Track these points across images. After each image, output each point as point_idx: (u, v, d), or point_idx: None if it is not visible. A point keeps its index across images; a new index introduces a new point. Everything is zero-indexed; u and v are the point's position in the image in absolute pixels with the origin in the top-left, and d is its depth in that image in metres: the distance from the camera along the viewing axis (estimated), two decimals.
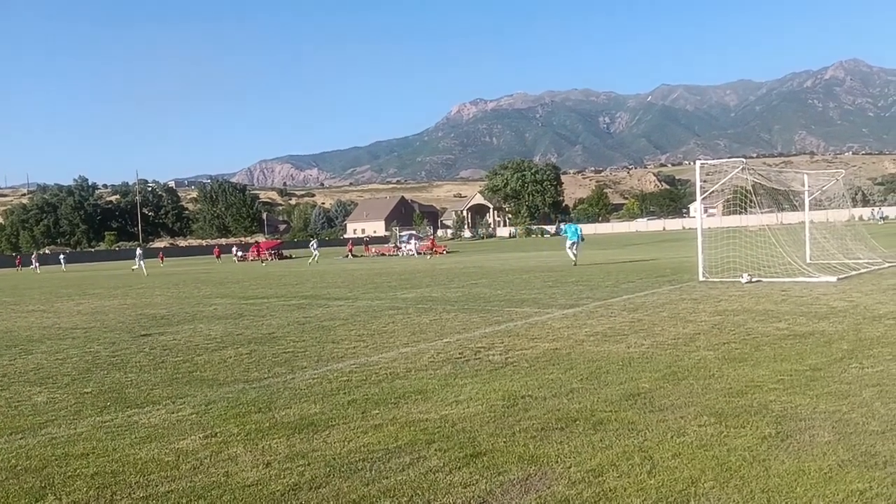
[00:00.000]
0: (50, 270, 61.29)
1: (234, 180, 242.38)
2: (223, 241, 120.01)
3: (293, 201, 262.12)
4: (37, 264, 64.19)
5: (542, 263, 30.01)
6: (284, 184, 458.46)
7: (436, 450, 5.00)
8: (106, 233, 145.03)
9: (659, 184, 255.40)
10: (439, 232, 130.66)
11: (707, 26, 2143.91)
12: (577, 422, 5.51)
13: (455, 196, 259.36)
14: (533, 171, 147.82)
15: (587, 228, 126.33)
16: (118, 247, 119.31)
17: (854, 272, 17.49)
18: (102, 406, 6.91)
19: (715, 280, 17.02)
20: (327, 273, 31.97)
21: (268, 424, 5.90)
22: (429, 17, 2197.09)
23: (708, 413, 5.57)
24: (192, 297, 20.56)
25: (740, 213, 22.19)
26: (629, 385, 6.66)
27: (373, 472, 4.64)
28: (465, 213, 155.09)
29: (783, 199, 25.08)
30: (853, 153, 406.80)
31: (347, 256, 57.82)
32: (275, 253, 64.67)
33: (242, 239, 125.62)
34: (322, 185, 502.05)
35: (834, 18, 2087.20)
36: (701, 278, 17.33)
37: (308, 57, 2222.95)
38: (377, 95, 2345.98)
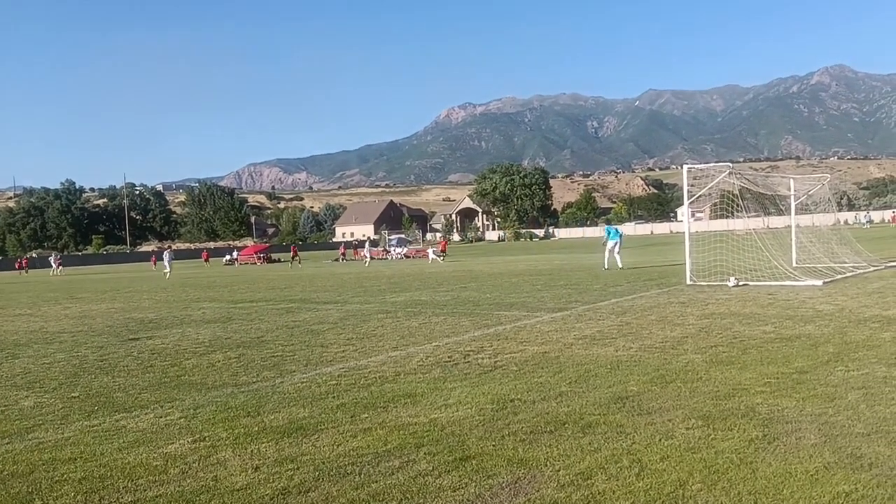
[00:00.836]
0: (47, 272, 60.63)
1: (222, 184, 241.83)
2: (212, 244, 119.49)
3: (282, 205, 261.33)
4: (56, 266, 60.72)
5: (531, 267, 30.07)
6: (273, 187, 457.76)
7: (425, 453, 5.01)
8: (93, 236, 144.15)
9: (647, 188, 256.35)
10: (428, 236, 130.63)
11: (694, 32, 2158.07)
12: (566, 425, 5.53)
13: (444, 200, 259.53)
14: (522, 175, 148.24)
15: (574, 232, 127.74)
16: (105, 250, 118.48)
17: (839, 276, 17.63)
18: (90, 410, 6.87)
19: (702, 284, 17.11)
20: (316, 276, 31.90)
21: (257, 428, 5.89)
22: (418, 22, 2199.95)
23: (696, 416, 5.61)
24: (181, 301, 20.47)
25: (727, 217, 22.31)
26: (617, 388, 6.69)
27: (362, 475, 4.64)
28: (454, 216, 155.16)
29: (770, 204, 25.22)
30: (839, 158, 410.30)
31: (339, 260, 57.81)
32: (263, 257, 64.56)
33: (230, 243, 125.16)
34: (311, 188, 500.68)
35: (820, 25, 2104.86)
36: (688, 282, 17.42)
37: (297, 60, 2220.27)
38: (366, 99, 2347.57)
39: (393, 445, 5.23)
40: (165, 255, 43.00)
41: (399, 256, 57.93)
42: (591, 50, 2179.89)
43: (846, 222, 62.63)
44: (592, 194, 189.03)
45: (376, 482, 4.51)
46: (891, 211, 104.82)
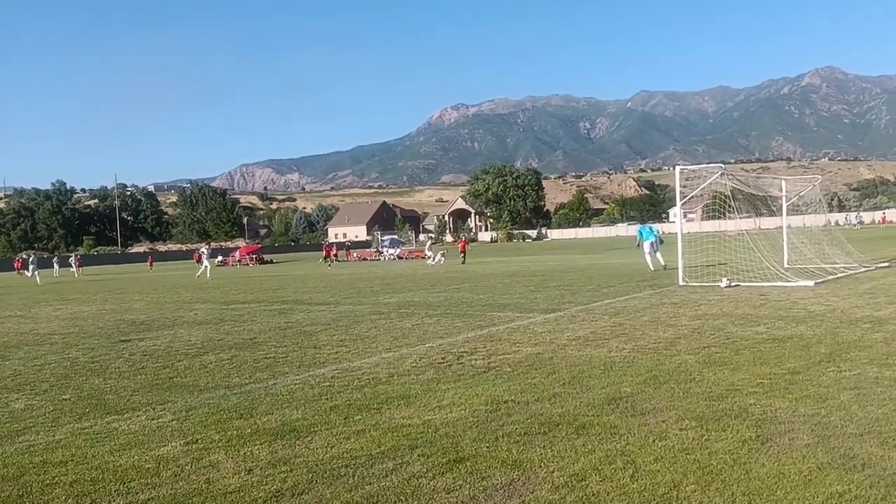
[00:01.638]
0: (68, 274, 60.08)
1: (214, 184, 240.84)
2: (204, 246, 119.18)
3: (274, 206, 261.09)
4: (77, 266, 56.39)
5: (524, 268, 30.10)
6: (265, 188, 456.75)
7: (419, 455, 5.00)
8: (84, 237, 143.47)
9: (639, 189, 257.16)
10: (421, 237, 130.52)
11: (686, 34, 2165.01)
12: (560, 426, 5.53)
13: (437, 201, 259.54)
14: (514, 175, 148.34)
15: (567, 233, 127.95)
16: (97, 251, 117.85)
17: (831, 276, 17.70)
18: (81, 413, 6.83)
19: (695, 284, 17.15)
20: (309, 278, 31.84)
21: (249, 431, 5.86)
22: (411, 22, 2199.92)
23: (689, 417, 5.61)
24: (172, 302, 20.39)
25: (719, 218, 22.40)
26: (611, 389, 6.70)
27: (355, 477, 4.63)
28: (446, 217, 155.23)
29: (761, 205, 25.33)
30: (829, 159, 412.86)
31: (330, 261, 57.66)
32: (255, 257, 64.39)
33: (223, 244, 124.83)
34: (303, 189, 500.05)
35: (810, 27, 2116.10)
36: (681, 283, 17.46)
37: (289, 61, 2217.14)
38: (359, 100, 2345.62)
39: (386, 447, 5.21)
40: (204, 253, 41.43)
41: (392, 257, 57.88)
42: (584, 51, 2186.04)
43: (837, 223, 62.93)
44: (585, 195, 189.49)
45: (370, 484, 4.50)
46: (881, 212, 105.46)
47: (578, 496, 4.13)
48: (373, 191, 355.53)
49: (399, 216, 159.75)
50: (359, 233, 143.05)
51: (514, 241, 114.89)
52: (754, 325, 10.41)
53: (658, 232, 25.01)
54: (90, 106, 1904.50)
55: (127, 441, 5.73)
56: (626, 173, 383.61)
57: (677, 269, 18.35)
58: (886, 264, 21.24)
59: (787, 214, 23.23)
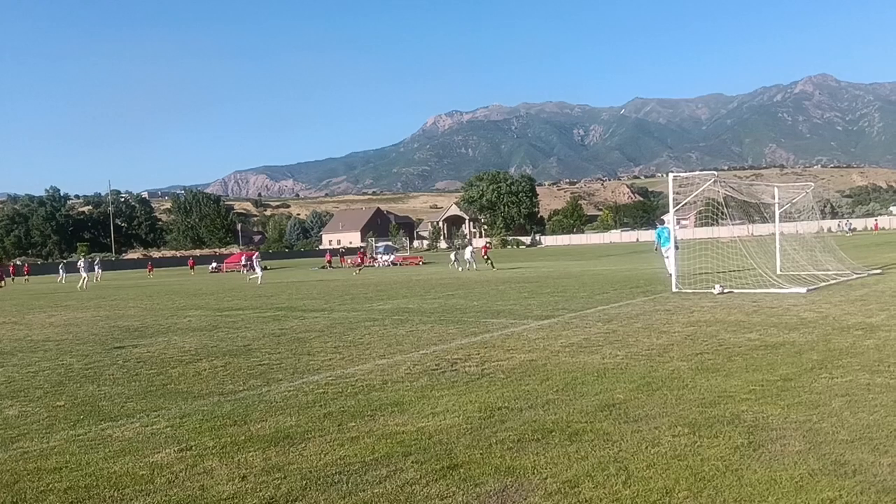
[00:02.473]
0: (73, 281, 59.79)
1: (208, 191, 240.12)
2: (198, 252, 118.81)
3: (268, 212, 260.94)
4: (98, 272, 53.59)
5: (518, 275, 30.13)
6: (259, 195, 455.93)
7: (412, 462, 5.01)
8: (78, 244, 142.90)
9: (632, 195, 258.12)
10: (415, 243, 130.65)
11: (679, 41, 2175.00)
12: (553, 433, 5.55)
13: (431, 207, 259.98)
14: (508, 182, 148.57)
15: (561, 240, 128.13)
16: (91, 258, 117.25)
17: (823, 283, 17.77)
18: (75, 419, 6.82)
19: (688, 291, 17.20)
20: (302, 284, 31.81)
21: (243, 437, 5.87)
22: (405, 29, 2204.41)
23: (682, 423, 5.64)
24: (166, 309, 20.35)
25: (712, 224, 22.50)
26: (604, 396, 6.72)
27: (349, 484, 4.64)
28: (440, 224, 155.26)
29: (754, 212, 25.40)
30: (822, 166, 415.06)
31: (325, 267, 57.73)
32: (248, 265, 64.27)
33: (217, 251, 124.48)
34: (297, 196, 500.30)
35: (803, 35, 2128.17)
36: (674, 289, 17.51)
37: (283, 67, 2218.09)
38: (353, 106, 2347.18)
39: (380, 454, 5.23)
40: (255, 261, 40.62)
41: (386, 264, 57.87)
42: (578, 58, 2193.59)
43: (829, 230, 63.12)
44: (579, 202, 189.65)
45: (364, 491, 4.51)
46: (873, 219, 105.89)
47: (571, 502, 4.16)
48: (367, 197, 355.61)
49: (393, 223, 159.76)
50: (353, 239, 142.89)
51: (509, 247, 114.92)
52: (747, 331, 10.45)
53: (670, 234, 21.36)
54: (84, 112, 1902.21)
55: (121, 448, 5.72)
56: (619, 180, 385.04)
57: (671, 275, 18.40)
58: (878, 271, 21.34)
59: (780, 221, 23.32)
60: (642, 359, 8.57)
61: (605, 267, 33.76)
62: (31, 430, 6.47)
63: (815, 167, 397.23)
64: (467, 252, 39.64)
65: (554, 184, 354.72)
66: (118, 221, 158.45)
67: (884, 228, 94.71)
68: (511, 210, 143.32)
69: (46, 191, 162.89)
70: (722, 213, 20.01)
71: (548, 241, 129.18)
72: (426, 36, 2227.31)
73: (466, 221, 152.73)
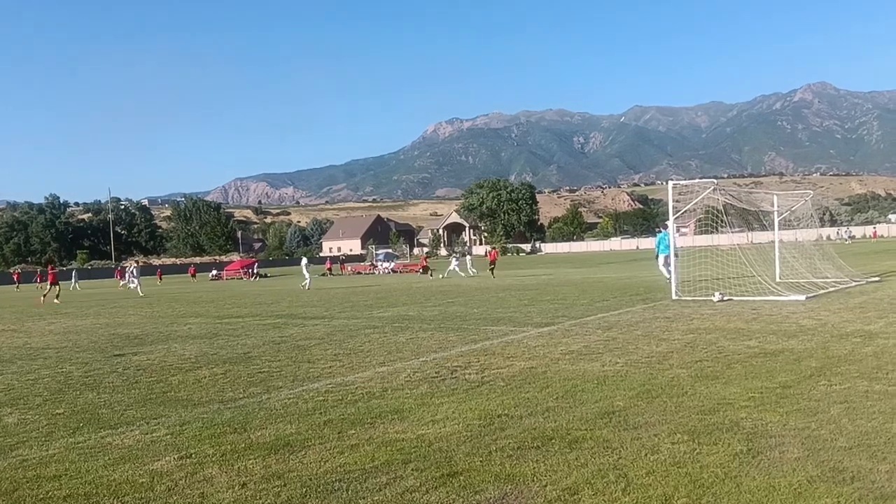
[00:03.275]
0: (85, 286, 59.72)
1: (208, 198, 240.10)
2: (198, 259, 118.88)
3: (268, 220, 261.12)
4: (138, 280, 46.46)
5: (518, 282, 30.15)
6: (260, 202, 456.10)
7: (412, 469, 5.02)
8: (78, 251, 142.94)
9: (632, 203, 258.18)
10: (415, 250, 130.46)
11: (679, 49, 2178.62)
12: (553, 440, 5.56)
13: (431, 215, 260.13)
14: (508, 189, 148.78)
15: (561, 247, 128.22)
16: (90, 265, 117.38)
17: (822, 291, 17.80)
18: (75, 427, 6.82)
19: (687, 298, 17.21)
20: (303, 292, 31.82)
21: (243, 445, 5.87)
22: (405, 37, 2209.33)
23: (681, 430, 5.65)
24: (166, 316, 20.35)
25: (712, 232, 22.51)
26: (604, 403, 6.73)
27: (349, 492, 4.65)
28: (441, 231, 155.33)
29: (753, 219, 25.45)
30: (821, 174, 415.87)
31: (325, 274, 57.73)
32: (249, 271, 64.36)
33: (217, 258, 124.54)
34: (298, 203, 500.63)
35: (802, 43, 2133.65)
36: (674, 297, 17.53)
37: (283, 75, 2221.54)
38: (353, 114, 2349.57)
39: (380, 461, 5.23)
40: (303, 264, 39.99)
41: (386, 271, 57.92)
42: (578, 66, 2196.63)
43: (828, 238, 63.15)
44: (579, 209, 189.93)
45: (364, 498, 4.51)
46: (872, 226, 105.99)
47: None
48: (367, 205, 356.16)
49: (393, 230, 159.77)
50: (353, 246, 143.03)
51: (509, 254, 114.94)
52: (746, 339, 10.47)
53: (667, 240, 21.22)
54: (84, 119, 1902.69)
55: (121, 455, 5.73)
56: (619, 188, 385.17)
57: (670, 283, 18.43)
58: (877, 279, 21.37)
59: (779, 229, 23.37)
60: (642, 366, 8.58)
61: (605, 274, 33.78)
62: (30, 438, 6.47)
63: (815, 175, 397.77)
64: (468, 260, 39.56)
65: (554, 191, 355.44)
66: (118, 229, 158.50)
67: (882, 236, 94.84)
68: (511, 217, 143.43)
69: (46, 198, 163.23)
70: (721, 220, 20.03)
71: (548, 248, 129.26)
72: (427, 43, 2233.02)
73: (467, 229, 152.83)
